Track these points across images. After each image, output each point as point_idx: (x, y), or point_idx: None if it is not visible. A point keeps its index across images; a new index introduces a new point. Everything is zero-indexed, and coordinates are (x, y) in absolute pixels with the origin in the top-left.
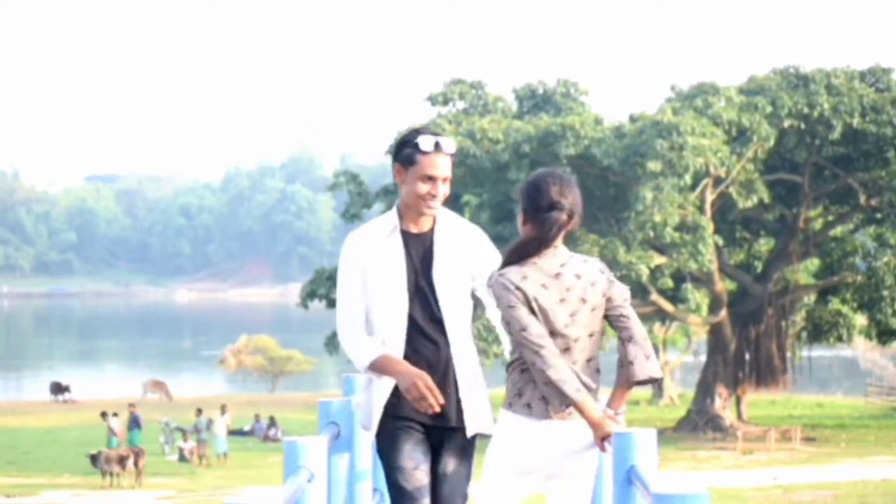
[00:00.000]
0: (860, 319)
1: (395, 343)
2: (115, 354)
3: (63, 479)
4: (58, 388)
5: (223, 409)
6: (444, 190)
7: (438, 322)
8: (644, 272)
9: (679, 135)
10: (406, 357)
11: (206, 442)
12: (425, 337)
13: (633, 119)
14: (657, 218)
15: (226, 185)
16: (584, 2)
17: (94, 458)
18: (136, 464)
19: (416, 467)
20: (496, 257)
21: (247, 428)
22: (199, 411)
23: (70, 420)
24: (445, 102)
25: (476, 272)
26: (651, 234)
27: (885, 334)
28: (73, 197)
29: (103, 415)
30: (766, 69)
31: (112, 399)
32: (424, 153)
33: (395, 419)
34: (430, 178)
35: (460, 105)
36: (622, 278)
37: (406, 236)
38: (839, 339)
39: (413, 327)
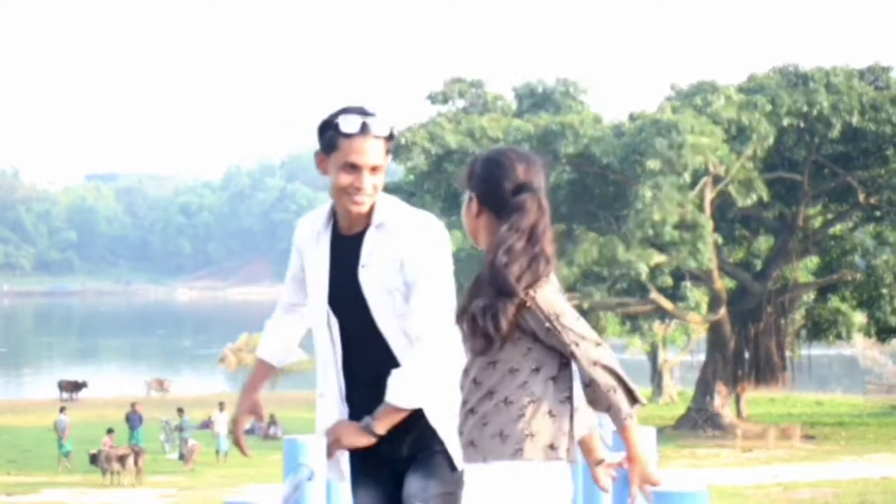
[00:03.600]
0: (859, 317)
1: (319, 353)
2: (116, 353)
3: (63, 478)
4: (74, 386)
5: (221, 407)
6: (373, 181)
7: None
8: (643, 270)
9: (678, 133)
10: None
11: (186, 441)
12: (361, 351)
13: (632, 118)
14: (656, 216)
15: (226, 183)
16: (584, 1)
17: (93, 458)
18: (136, 462)
19: None
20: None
21: (247, 426)
22: (181, 411)
23: (70, 418)
24: (445, 101)
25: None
26: (650, 232)
27: (885, 332)
28: (74, 195)
29: (62, 409)
30: (766, 68)
31: (113, 397)
32: (348, 136)
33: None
34: (354, 167)
35: (460, 103)
36: (621, 276)
37: (336, 237)
38: (838, 336)
39: (345, 340)
